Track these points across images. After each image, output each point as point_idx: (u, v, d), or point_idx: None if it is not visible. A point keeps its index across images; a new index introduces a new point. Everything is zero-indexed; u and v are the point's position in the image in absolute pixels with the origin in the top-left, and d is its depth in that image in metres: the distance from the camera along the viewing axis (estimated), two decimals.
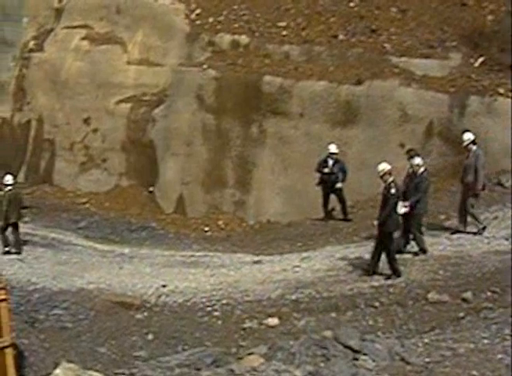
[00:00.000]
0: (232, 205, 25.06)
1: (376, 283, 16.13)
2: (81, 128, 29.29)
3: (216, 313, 16.30)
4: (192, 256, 20.68)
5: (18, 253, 21.02)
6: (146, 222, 24.63)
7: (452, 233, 18.35)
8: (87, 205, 26.87)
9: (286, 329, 14.71)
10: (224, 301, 16.82)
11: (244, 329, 15.21)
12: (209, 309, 16.59)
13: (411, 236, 17.54)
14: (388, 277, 16.35)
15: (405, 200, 17.01)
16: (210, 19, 28.02)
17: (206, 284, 18.04)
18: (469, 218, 18.33)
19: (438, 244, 17.82)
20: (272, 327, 15.02)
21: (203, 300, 17.08)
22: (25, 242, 21.93)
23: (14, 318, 14.40)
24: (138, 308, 17.12)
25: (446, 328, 12.52)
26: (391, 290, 15.59)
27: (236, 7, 28.28)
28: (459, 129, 22.34)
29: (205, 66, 26.20)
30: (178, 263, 20.08)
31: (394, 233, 16.42)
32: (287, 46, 26.19)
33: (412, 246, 17.54)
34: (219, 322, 15.90)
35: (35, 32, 32.03)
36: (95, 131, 28.86)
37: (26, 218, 24.55)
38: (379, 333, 13.15)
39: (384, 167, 16.33)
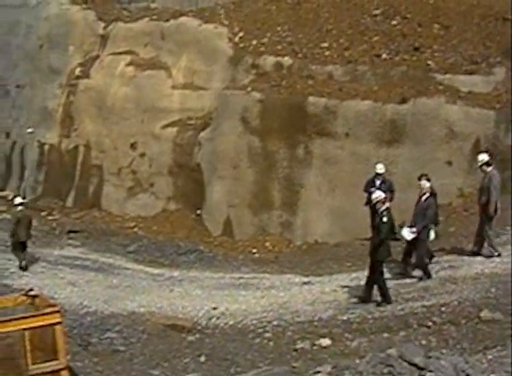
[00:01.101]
0: (279, 226, 25.01)
1: (427, 303, 16.05)
2: (127, 152, 29.54)
3: (267, 335, 16.35)
4: (242, 278, 20.76)
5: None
6: (194, 245, 24.67)
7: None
8: (135, 229, 27.05)
9: (339, 350, 14.68)
10: (275, 323, 16.86)
11: (296, 350, 15.19)
12: (260, 330, 16.65)
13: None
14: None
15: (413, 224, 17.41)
16: (254, 42, 28.16)
17: (256, 306, 18.11)
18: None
19: (489, 262, 17.70)
20: (325, 347, 14.99)
21: (254, 321, 17.15)
22: (76, 266, 22.38)
23: (67, 341, 14.61)
24: (190, 330, 17.25)
25: (508, 345, 12.38)
26: (443, 309, 15.48)
27: (278, 29, 28.39)
28: (505, 145, 22.27)
29: (249, 89, 26.32)
30: (227, 285, 20.19)
31: (384, 261, 16.57)
32: (331, 66, 26.15)
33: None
34: (271, 343, 15.94)
35: (81, 59, 32.41)
36: (142, 155, 29.11)
37: (77, 243, 25.10)
38: (443, 350, 13.04)
39: (378, 195, 16.65)
